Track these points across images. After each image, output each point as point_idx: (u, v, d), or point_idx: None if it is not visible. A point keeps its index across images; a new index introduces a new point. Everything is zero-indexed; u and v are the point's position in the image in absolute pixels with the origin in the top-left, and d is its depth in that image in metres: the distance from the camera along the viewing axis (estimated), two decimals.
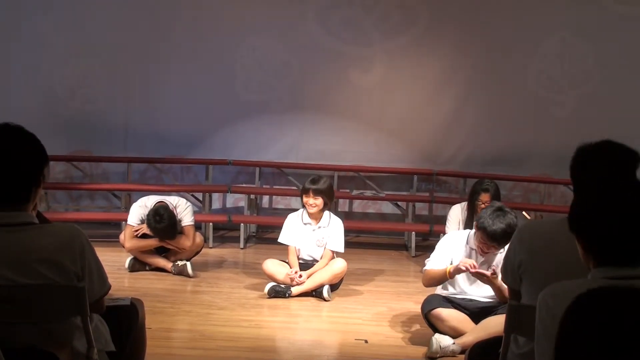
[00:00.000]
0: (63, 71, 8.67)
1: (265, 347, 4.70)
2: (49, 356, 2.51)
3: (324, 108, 8.79)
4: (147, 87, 8.73)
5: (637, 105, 8.46)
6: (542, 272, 2.66)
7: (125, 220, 6.64)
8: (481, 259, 4.75)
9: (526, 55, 8.66)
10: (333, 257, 6.04)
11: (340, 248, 6.05)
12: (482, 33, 8.62)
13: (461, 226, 6.15)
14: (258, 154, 8.77)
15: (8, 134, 2.52)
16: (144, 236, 6.38)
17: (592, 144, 2.64)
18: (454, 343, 4.51)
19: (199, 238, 6.68)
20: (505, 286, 4.37)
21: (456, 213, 6.36)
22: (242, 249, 7.78)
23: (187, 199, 6.78)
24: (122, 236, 6.57)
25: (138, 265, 6.48)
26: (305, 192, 6.00)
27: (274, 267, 5.96)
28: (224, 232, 8.41)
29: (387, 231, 8.71)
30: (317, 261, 6.02)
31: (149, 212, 6.29)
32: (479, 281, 4.76)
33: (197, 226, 7.03)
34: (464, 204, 6.32)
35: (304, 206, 6.08)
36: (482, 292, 4.77)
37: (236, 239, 7.91)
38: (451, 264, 4.78)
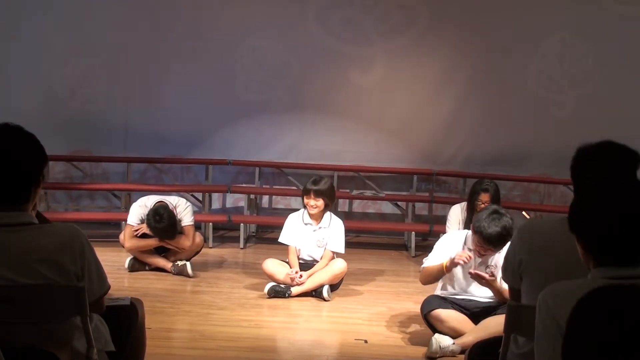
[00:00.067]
0: (63, 71, 8.66)
1: (265, 347, 4.70)
2: (49, 356, 2.52)
3: (324, 108, 8.79)
4: (147, 87, 8.72)
5: (637, 105, 8.46)
6: (542, 272, 2.66)
7: (125, 220, 6.64)
8: (479, 260, 4.76)
9: (526, 55, 8.65)
10: (333, 258, 6.04)
11: (341, 249, 6.05)
12: (482, 33, 8.62)
13: (461, 226, 6.15)
14: (258, 154, 8.77)
15: (7, 134, 2.52)
16: (144, 236, 6.38)
17: (593, 144, 2.64)
18: (453, 343, 4.51)
19: (198, 238, 6.68)
20: (505, 287, 4.40)
21: (456, 213, 6.37)
22: (242, 249, 7.78)
23: (187, 199, 6.78)
24: (121, 236, 6.57)
25: (138, 265, 6.48)
26: (306, 193, 6.00)
27: (274, 267, 5.96)
28: (224, 232, 8.42)
29: (387, 231, 8.71)
30: (317, 261, 6.02)
31: (149, 212, 6.29)
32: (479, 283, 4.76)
33: (197, 226, 7.03)
34: (464, 204, 6.32)
35: (305, 206, 6.08)
36: (482, 292, 4.78)
37: (236, 239, 7.91)
38: None
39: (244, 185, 8.90)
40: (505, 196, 7.93)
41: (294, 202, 8.59)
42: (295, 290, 5.80)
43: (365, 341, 4.86)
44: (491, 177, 6.73)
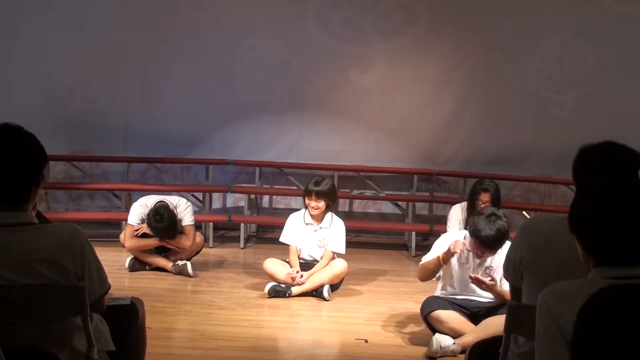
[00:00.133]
0: (63, 71, 8.67)
1: (265, 347, 4.70)
2: (49, 356, 2.51)
3: (324, 108, 8.79)
4: (147, 87, 8.73)
5: (637, 105, 8.46)
6: (542, 271, 2.67)
7: (126, 220, 6.64)
8: (477, 261, 4.77)
9: (526, 55, 8.66)
10: (333, 258, 6.04)
11: (341, 249, 6.05)
12: (482, 33, 8.63)
13: (461, 226, 6.16)
14: (258, 154, 8.77)
15: (7, 134, 2.52)
16: (144, 236, 6.38)
17: (594, 145, 2.64)
18: (454, 343, 4.51)
19: (199, 238, 6.68)
20: (506, 289, 4.41)
21: (456, 213, 6.37)
22: (242, 248, 7.78)
23: (187, 199, 6.78)
24: (122, 236, 6.57)
25: (138, 264, 6.48)
26: (308, 194, 6.00)
27: (274, 266, 5.96)
28: (224, 232, 8.42)
29: (387, 231, 8.71)
30: (317, 261, 6.02)
31: (149, 212, 6.29)
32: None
33: (197, 226, 7.03)
34: (464, 204, 6.32)
35: (306, 207, 6.08)
36: (482, 292, 4.77)
37: (236, 239, 7.91)
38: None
39: (244, 185, 8.91)
40: (506, 196, 7.93)
41: (294, 202, 8.59)
42: (295, 290, 5.80)
43: (366, 341, 4.86)
44: (491, 177, 6.73)
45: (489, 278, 4.68)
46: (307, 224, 6.09)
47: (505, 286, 4.61)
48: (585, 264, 2.06)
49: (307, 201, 6.03)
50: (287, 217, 6.29)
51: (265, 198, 9.10)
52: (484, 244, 4.55)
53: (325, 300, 5.79)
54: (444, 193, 8.92)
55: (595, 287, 1.83)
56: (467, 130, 8.76)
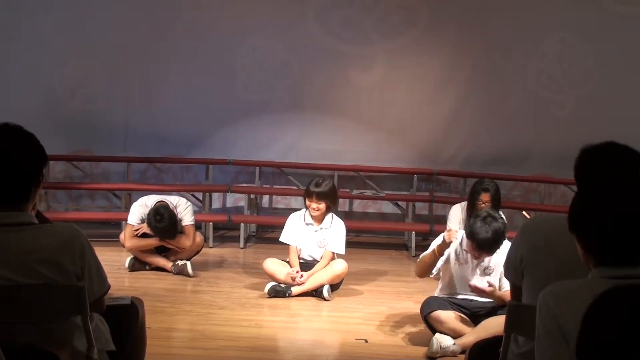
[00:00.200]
0: (63, 71, 8.67)
1: (265, 347, 4.70)
2: (49, 356, 2.51)
3: (324, 108, 8.80)
4: (147, 87, 8.73)
5: (637, 105, 8.46)
6: (542, 270, 2.67)
7: (126, 220, 6.65)
8: (476, 261, 4.77)
9: (526, 55, 8.66)
10: (333, 258, 6.04)
11: (341, 250, 6.05)
12: (482, 33, 8.63)
13: (461, 225, 6.15)
14: (258, 153, 8.77)
15: (7, 133, 2.52)
16: (144, 235, 6.38)
17: (596, 145, 2.64)
18: (454, 343, 4.51)
19: (199, 238, 6.68)
20: (506, 292, 4.41)
21: (456, 213, 6.37)
22: (242, 248, 7.78)
23: (187, 199, 6.78)
24: (122, 236, 6.57)
25: (138, 264, 6.48)
26: (309, 195, 6.00)
27: (274, 266, 5.96)
28: (224, 232, 8.42)
29: (387, 231, 8.72)
30: (317, 261, 6.02)
31: (150, 212, 6.29)
32: (478, 282, 4.76)
33: (197, 226, 7.03)
34: (464, 204, 6.32)
35: (306, 207, 6.08)
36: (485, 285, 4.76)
37: (236, 239, 7.91)
38: (448, 260, 4.82)
39: (244, 185, 8.91)
40: (506, 196, 7.94)
41: (294, 201, 8.60)
42: (295, 290, 5.80)
43: (366, 341, 4.86)
44: (491, 177, 6.73)
45: (488, 277, 4.70)
46: (307, 224, 6.09)
47: (505, 286, 4.62)
48: (585, 264, 2.06)
49: (307, 202, 6.03)
50: (287, 217, 6.29)
51: (265, 198, 9.10)
52: (481, 247, 4.57)
53: (325, 300, 5.79)
54: (444, 193, 8.92)
55: (595, 286, 1.83)
56: (467, 130, 8.76)
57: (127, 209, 7.13)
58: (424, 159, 8.82)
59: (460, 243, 4.80)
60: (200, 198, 8.60)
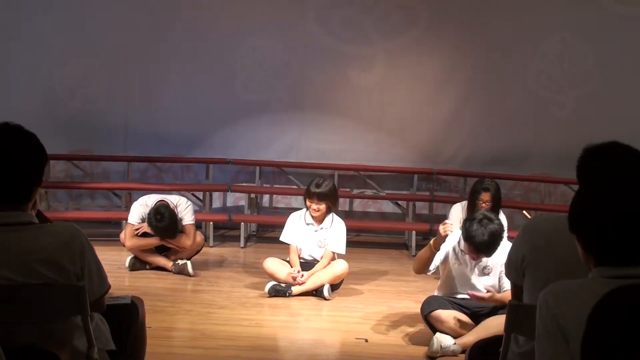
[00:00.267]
0: (63, 71, 8.67)
1: (265, 346, 4.70)
2: (49, 356, 2.51)
3: (324, 108, 8.80)
4: (147, 87, 8.73)
5: (637, 105, 8.46)
6: (543, 270, 2.67)
7: (126, 219, 6.65)
8: (473, 262, 4.76)
9: (526, 55, 8.66)
10: (334, 258, 6.05)
11: (342, 250, 6.05)
12: (482, 33, 8.63)
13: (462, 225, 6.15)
14: (258, 153, 8.77)
15: (8, 133, 2.52)
16: (145, 235, 6.38)
17: (598, 145, 2.63)
18: (455, 343, 4.51)
19: (199, 237, 6.68)
20: (506, 294, 4.41)
21: (457, 212, 6.36)
22: (242, 248, 7.79)
23: (187, 198, 6.79)
24: (122, 235, 6.57)
25: (138, 264, 6.48)
26: (309, 196, 5.99)
27: (274, 266, 5.96)
28: (225, 231, 8.42)
29: (388, 230, 8.72)
30: (318, 261, 6.02)
31: (150, 211, 6.29)
32: (477, 281, 4.77)
33: (198, 225, 7.03)
34: (465, 203, 6.32)
35: (307, 208, 6.08)
36: (482, 290, 4.77)
37: (236, 238, 7.91)
38: (446, 259, 4.82)
39: (244, 184, 8.91)
40: (506, 195, 7.93)
41: (295, 201, 8.60)
42: (295, 289, 5.80)
43: (366, 340, 4.87)
44: (492, 177, 6.74)
45: (487, 277, 4.73)
46: (307, 224, 6.09)
47: (505, 285, 4.62)
48: (585, 264, 2.07)
49: (308, 203, 6.02)
50: (287, 216, 6.29)
51: (266, 197, 9.10)
52: (478, 249, 4.57)
53: (326, 299, 5.79)
54: (444, 192, 8.92)
55: (595, 286, 1.83)
56: (467, 130, 8.76)
57: (128, 208, 7.14)
58: (424, 158, 8.82)
59: (458, 243, 4.80)
60: (201, 197, 8.61)
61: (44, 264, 2.48)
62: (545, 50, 8.68)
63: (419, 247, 7.65)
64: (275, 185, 9.05)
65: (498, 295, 4.56)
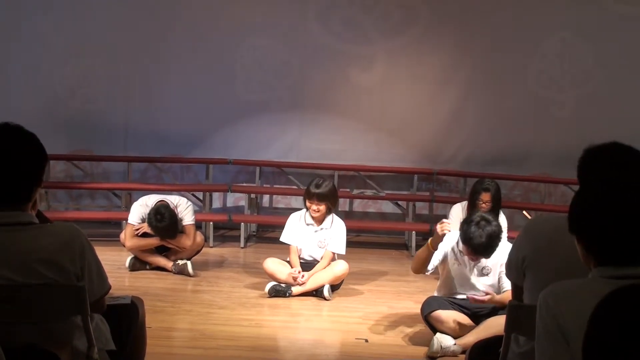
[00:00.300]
0: (63, 71, 8.67)
1: (265, 346, 4.70)
2: (49, 356, 2.51)
3: (324, 107, 8.80)
4: (147, 87, 8.73)
5: (637, 105, 8.46)
6: (544, 270, 2.66)
7: (126, 220, 6.65)
8: (472, 262, 4.76)
9: (526, 55, 8.66)
10: (334, 258, 6.04)
11: (342, 250, 6.05)
12: (482, 33, 8.63)
13: None
14: (258, 153, 8.77)
15: (8, 133, 2.51)
16: (145, 235, 6.38)
17: (599, 145, 2.63)
18: (455, 343, 4.51)
19: (199, 237, 6.68)
20: (506, 294, 4.41)
21: (457, 212, 6.36)
22: (242, 248, 7.79)
23: (187, 198, 6.79)
24: (122, 235, 6.57)
25: (138, 264, 6.48)
26: (309, 196, 5.99)
27: (274, 266, 5.96)
28: (225, 232, 8.42)
29: (388, 230, 8.72)
30: (318, 261, 6.02)
31: (150, 211, 6.29)
32: (476, 281, 4.77)
33: (198, 225, 7.03)
34: (465, 203, 6.32)
35: (307, 208, 6.07)
36: (482, 290, 4.76)
37: (236, 238, 7.91)
38: (444, 260, 4.82)
39: (244, 184, 8.91)
40: (506, 196, 7.93)
41: (295, 201, 8.60)
42: (295, 289, 5.80)
43: (366, 340, 4.87)
44: (492, 177, 6.73)
45: (486, 277, 4.74)
46: (307, 224, 6.09)
47: (505, 285, 4.62)
48: (585, 264, 2.06)
49: (308, 204, 6.02)
50: (287, 216, 6.29)
51: (266, 197, 9.10)
52: (477, 251, 4.57)
53: (326, 299, 5.79)
54: (444, 192, 8.92)
55: (595, 286, 1.83)
56: (467, 130, 8.76)
57: (128, 208, 7.14)
58: (424, 158, 8.82)
59: (457, 244, 4.79)
60: (201, 198, 8.61)
61: (44, 264, 2.48)
62: (546, 50, 8.68)
63: (419, 247, 7.56)
64: (275, 186, 9.05)
65: (497, 297, 4.56)
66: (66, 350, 2.58)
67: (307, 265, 5.99)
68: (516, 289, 2.89)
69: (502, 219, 6.24)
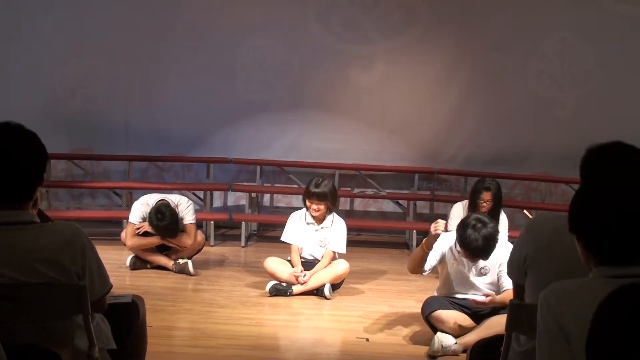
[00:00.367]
0: (63, 71, 8.67)
1: (266, 345, 4.71)
2: (50, 355, 2.51)
3: (324, 107, 8.80)
4: (148, 87, 8.73)
5: (638, 105, 8.46)
6: (546, 269, 2.67)
7: (127, 219, 6.65)
8: (472, 264, 4.76)
9: (526, 55, 8.66)
10: (334, 257, 6.05)
11: (342, 249, 6.05)
12: (482, 33, 8.63)
13: None
14: (259, 152, 8.78)
15: (8, 132, 2.51)
16: (146, 234, 6.39)
17: (602, 145, 2.63)
18: (456, 342, 4.51)
19: (200, 236, 6.68)
20: (506, 293, 4.41)
21: (458, 211, 6.36)
22: (243, 247, 7.79)
23: (188, 198, 6.79)
24: (123, 234, 6.58)
25: (139, 263, 6.49)
26: (309, 196, 5.99)
27: (275, 265, 5.96)
28: (225, 231, 8.42)
29: (388, 229, 8.72)
30: (318, 260, 6.02)
31: (151, 210, 6.30)
32: (476, 280, 4.77)
33: (199, 224, 7.03)
34: (466, 202, 6.32)
35: (307, 208, 6.07)
36: (482, 290, 4.77)
37: (237, 237, 7.92)
38: (443, 260, 4.82)
39: (245, 183, 8.91)
40: (507, 195, 7.93)
41: (295, 200, 8.59)
42: (296, 288, 5.80)
43: (367, 339, 4.87)
44: (492, 176, 6.73)
45: (484, 277, 4.75)
46: (308, 223, 6.09)
47: (505, 285, 4.62)
48: (586, 264, 2.07)
49: (308, 203, 6.02)
50: (288, 215, 6.29)
51: (266, 196, 9.10)
52: (474, 254, 4.57)
53: (327, 298, 5.79)
54: (444, 192, 8.92)
55: (596, 286, 1.83)
56: (467, 129, 8.76)
57: (129, 207, 7.14)
58: (424, 157, 8.82)
59: (455, 244, 4.78)
60: (202, 197, 8.61)
61: (45, 263, 2.48)
62: (546, 50, 8.68)
63: None
64: (276, 185, 9.05)
65: (498, 297, 4.55)
66: (67, 349, 2.59)
67: (308, 265, 5.99)
68: (518, 288, 2.89)
69: (503, 218, 6.24)
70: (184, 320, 5.16)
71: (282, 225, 6.24)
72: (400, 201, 8.81)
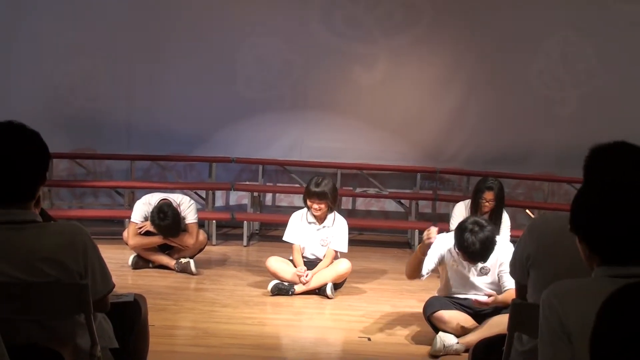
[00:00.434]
0: (64, 70, 8.67)
1: (268, 345, 4.71)
2: (52, 353, 2.52)
3: (326, 106, 8.79)
4: (150, 86, 8.73)
5: (639, 104, 8.45)
6: (548, 269, 2.66)
7: (129, 218, 6.65)
8: (471, 265, 4.76)
9: (529, 54, 8.65)
10: (336, 256, 6.04)
11: (344, 248, 6.05)
12: (484, 31, 8.62)
13: None
14: (261, 151, 8.78)
15: (10, 132, 2.51)
16: (148, 233, 6.39)
17: (605, 144, 2.62)
18: (457, 342, 4.51)
19: (202, 236, 6.68)
20: (508, 293, 4.41)
21: (460, 210, 6.35)
22: (245, 246, 7.79)
23: (190, 197, 6.79)
24: (125, 233, 6.58)
25: (141, 262, 6.49)
26: (309, 196, 5.98)
27: (277, 264, 5.96)
28: (227, 230, 8.42)
29: (390, 229, 8.71)
30: (320, 260, 6.02)
31: (153, 210, 6.29)
32: (476, 280, 4.76)
33: (201, 224, 7.03)
34: (468, 202, 6.31)
35: (307, 207, 6.07)
36: (483, 290, 4.76)
37: (239, 237, 7.92)
38: (442, 262, 4.81)
39: (247, 182, 8.91)
40: (509, 194, 7.92)
41: (297, 199, 8.57)
42: (298, 288, 5.80)
43: (369, 339, 4.87)
44: (495, 175, 6.72)
45: (485, 276, 4.74)
46: (309, 222, 6.09)
47: (506, 284, 4.61)
48: (587, 264, 2.06)
49: (308, 203, 6.01)
50: (290, 214, 6.29)
51: (269, 196, 9.10)
52: (472, 258, 4.56)
53: (329, 298, 5.79)
54: (447, 191, 8.92)
55: (598, 285, 1.83)
56: (470, 129, 8.75)
57: (131, 206, 7.14)
58: (427, 157, 8.82)
59: (454, 246, 4.76)
60: (204, 196, 8.61)
61: (47, 263, 2.48)
62: (548, 49, 8.67)
63: None
64: (278, 184, 9.05)
65: (500, 297, 4.54)
66: (69, 348, 2.59)
67: (310, 264, 5.99)
68: (520, 288, 2.89)
69: (506, 218, 6.23)
70: (185, 320, 5.16)
71: (284, 225, 6.24)
72: (402, 200, 8.80)
